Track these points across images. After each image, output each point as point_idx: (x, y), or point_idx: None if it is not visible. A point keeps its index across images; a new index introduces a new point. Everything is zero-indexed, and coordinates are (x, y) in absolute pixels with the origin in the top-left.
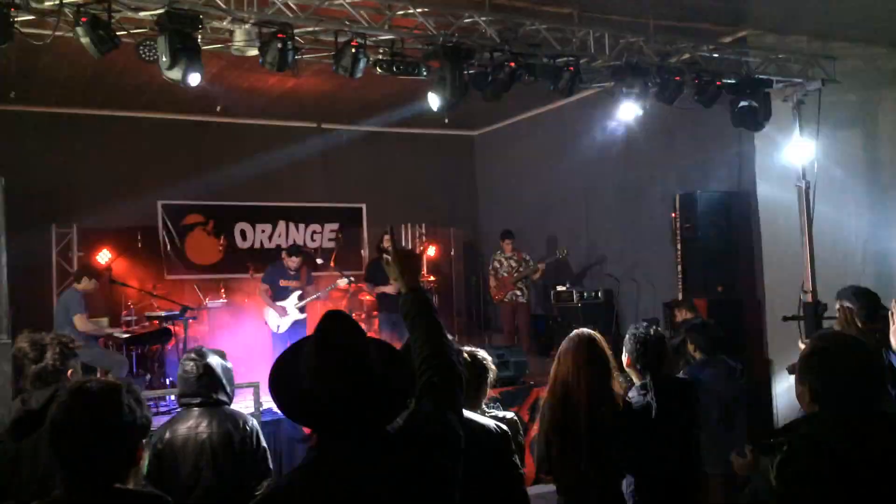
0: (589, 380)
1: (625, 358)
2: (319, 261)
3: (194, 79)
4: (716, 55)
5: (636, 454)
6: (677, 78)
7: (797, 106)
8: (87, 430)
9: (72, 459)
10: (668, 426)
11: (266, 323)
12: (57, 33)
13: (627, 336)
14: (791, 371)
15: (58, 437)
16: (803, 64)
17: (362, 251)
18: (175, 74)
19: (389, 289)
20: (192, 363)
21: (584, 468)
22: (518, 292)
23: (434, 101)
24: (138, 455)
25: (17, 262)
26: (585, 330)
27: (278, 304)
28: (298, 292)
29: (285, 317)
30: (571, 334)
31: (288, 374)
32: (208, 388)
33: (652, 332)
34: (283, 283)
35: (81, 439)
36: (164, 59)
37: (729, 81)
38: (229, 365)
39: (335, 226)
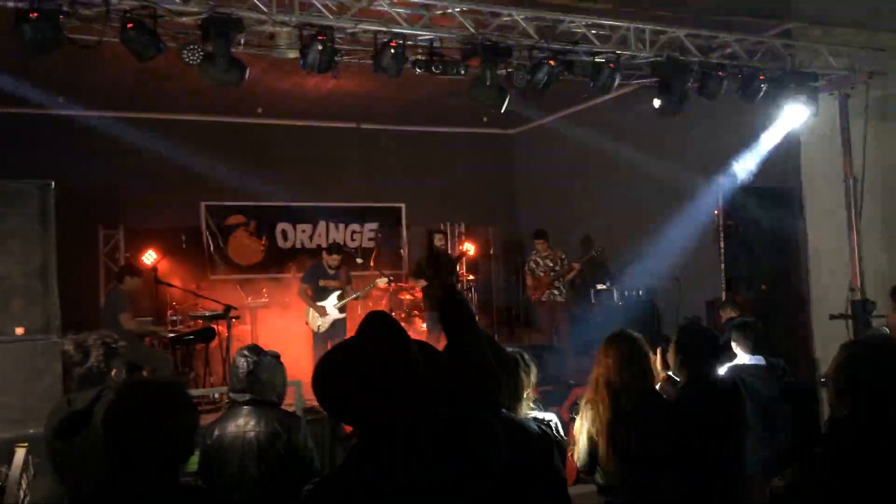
0: (631, 379)
1: (671, 356)
2: (359, 260)
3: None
4: (760, 49)
5: (678, 453)
6: (720, 73)
7: (844, 99)
8: (136, 426)
9: (122, 455)
10: (711, 427)
11: (307, 323)
12: (103, 39)
13: (676, 334)
14: (825, 381)
15: (109, 434)
16: (850, 56)
17: (401, 251)
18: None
19: None
20: (243, 359)
21: (626, 468)
22: (556, 291)
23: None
24: (186, 450)
25: (66, 263)
26: (626, 329)
27: (318, 303)
28: (338, 292)
29: (325, 317)
30: (612, 334)
31: (331, 373)
32: (256, 385)
33: (701, 331)
34: (322, 282)
35: (131, 436)
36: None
37: (773, 76)
38: (283, 366)
39: (374, 225)
